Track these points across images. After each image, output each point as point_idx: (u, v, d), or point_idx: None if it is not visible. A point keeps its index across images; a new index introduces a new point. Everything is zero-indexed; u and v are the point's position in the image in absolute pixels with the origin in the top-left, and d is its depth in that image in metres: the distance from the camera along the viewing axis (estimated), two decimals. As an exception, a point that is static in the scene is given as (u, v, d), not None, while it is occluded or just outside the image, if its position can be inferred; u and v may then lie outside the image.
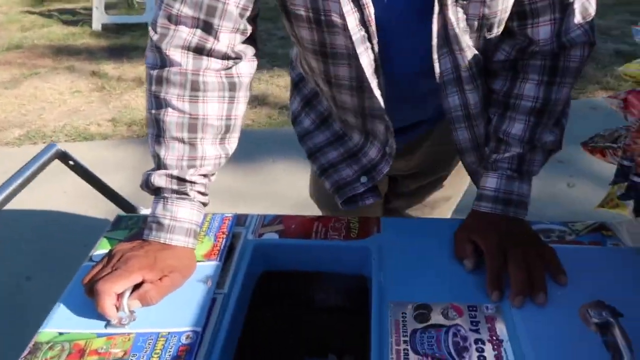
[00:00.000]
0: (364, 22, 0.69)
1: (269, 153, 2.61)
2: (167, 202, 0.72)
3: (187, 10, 0.69)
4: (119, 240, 0.79)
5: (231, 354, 0.68)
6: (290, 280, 0.83)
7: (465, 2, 0.67)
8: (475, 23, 0.70)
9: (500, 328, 0.64)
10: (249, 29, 0.74)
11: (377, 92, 0.76)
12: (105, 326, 0.64)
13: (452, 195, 1.08)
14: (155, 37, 0.71)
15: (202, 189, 0.74)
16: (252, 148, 2.63)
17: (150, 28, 0.72)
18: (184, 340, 0.62)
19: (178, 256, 0.70)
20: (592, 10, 0.71)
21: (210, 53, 0.72)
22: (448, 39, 0.70)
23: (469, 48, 0.71)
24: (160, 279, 0.67)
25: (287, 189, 2.34)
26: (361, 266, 0.79)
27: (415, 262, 0.75)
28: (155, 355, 0.60)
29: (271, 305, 0.82)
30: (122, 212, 0.93)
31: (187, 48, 0.71)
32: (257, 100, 3.26)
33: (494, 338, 0.63)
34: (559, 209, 1.76)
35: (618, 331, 0.61)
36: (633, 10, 4.55)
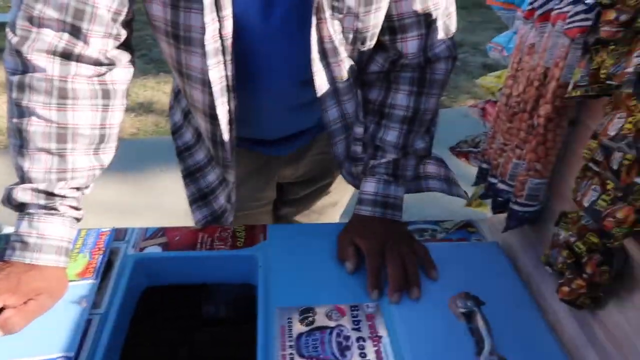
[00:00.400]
0: (220, 35, 0.68)
1: (156, 163, 2.50)
2: (33, 218, 0.66)
3: (51, 13, 0.64)
4: (-24, 264, 0.71)
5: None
6: (176, 294, 0.80)
7: (340, 16, 0.70)
8: (350, 36, 0.74)
9: (380, 325, 0.68)
10: (123, 33, 0.71)
11: (224, 119, 0.75)
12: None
13: (338, 201, 1.12)
14: (14, 40, 0.65)
15: (75, 203, 0.70)
16: (139, 158, 2.50)
17: (7, 29, 0.66)
18: (54, 367, 0.57)
19: (46, 277, 0.64)
20: (453, 28, 0.80)
21: (79, 58, 0.67)
22: (325, 51, 0.73)
23: (345, 60, 0.75)
24: (25, 302, 0.61)
25: (177, 200, 2.26)
26: (249, 275, 0.79)
27: (302, 267, 0.77)
28: (20, 388, 0.55)
29: (155, 322, 0.79)
30: (-20, 233, 0.83)
31: (53, 53, 0.66)
32: (142, 108, 3.11)
33: (374, 335, 0.67)
34: (438, 210, 1.92)
35: (480, 318, 0.68)
36: (498, 27, 5.09)
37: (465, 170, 1.05)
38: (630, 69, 0.48)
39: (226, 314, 0.84)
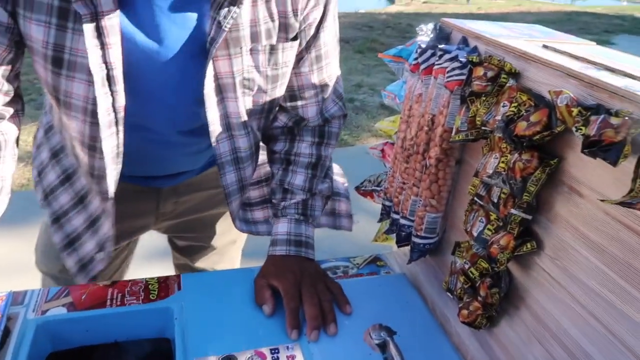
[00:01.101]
0: (106, 62, 0.65)
1: (52, 215, 2.33)
2: None
3: None
4: None
5: None
6: (84, 357, 0.76)
7: (252, 93, 0.76)
8: (259, 108, 0.80)
9: (300, 364, 0.70)
10: (12, 88, 0.69)
11: (110, 153, 0.72)
12: None
13: (236, 239, 1.12)
14: None
15: None
16: (31, 210, 2.32)
17: None
18: None
19: None
20: (341, 91, 0.91)
21: None
22: (220, 87, 0.74)
23: (242, 98, 0.76)
24: None
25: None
26: (164, 328, 0.77)
27: (219, 315, 0.77)
28: None
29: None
30: None
31: None
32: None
33: (295, 376, 0.68)
34: (349, 245, 1.99)
35: (393, 347, 0.72)
36: (391, 70, 5.46)
37: (373, 208, 1.12)
38: (498, 117, 0.56)
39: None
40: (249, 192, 0.94)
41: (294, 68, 0.80)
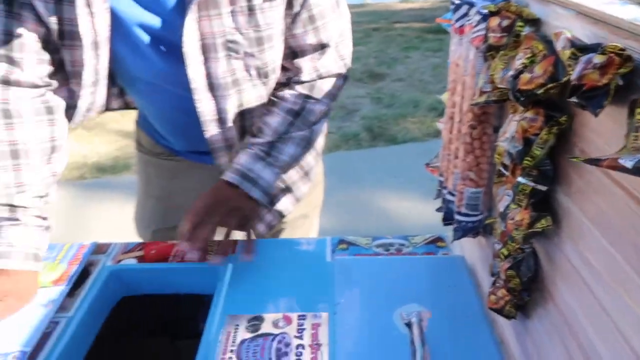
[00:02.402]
0: (94, 29, 0.73)
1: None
2: (1, 230, 0.74)
3: None
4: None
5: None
6: (148, 305, 0.86)
7: (238, 56, 0.78)
8: (253, 72, 0.81)
9: (322, 333, 0.70)
10: (56, 58, 0.79)
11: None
12: None
13: (308, 213, 1.11)
14: None
15: (37, 213, 0.78)
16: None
17: None
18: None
19: (15, 281, 0.72)
20: (345, 51, 0.87)
21: (18, 83, 0.76)
22: (205, 47, 0.76)
23: (223, 59, 0.78)
24: None
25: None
26: (214, 286, 0.83)
27: (260, 278, 0.81)
28: (-23, 377, 0.62)
29: (127, 332, 0.85)
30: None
31: None
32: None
33: (314, 343, 0.68)
34: (419, 228, 1.87)
35: (416, 329, 0.67)
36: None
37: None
38: (511, 72, 0.49)
39: (190, 324, 0.88)
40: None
41: (288, 30, 0.78)
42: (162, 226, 1.05)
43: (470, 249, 0.81)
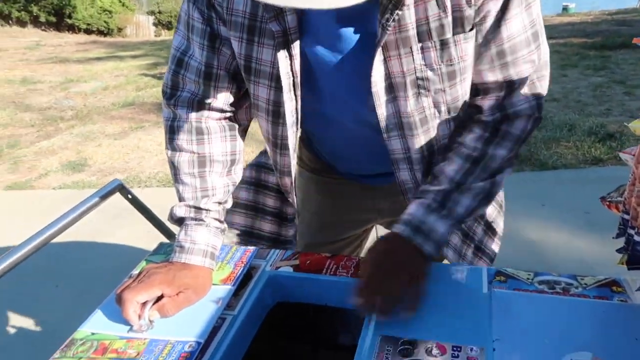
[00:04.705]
0: (292, 71, 0.76)
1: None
2: (187, 229, 0.84)
3: (190, 75, 0.84)
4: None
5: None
6: (300, 313, 0.90)
7: (428, 93, 0.76)
8: (443, 108, 0.78)
9: (480, 369, 0.66)
10: (242, 87, 0.87)
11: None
12: (128, 331, 0.75)
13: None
14: (166, 97, 0.88)
15: (217, 216, 0.87)
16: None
17: (162, 88, 0.89)
18: (186, 348, 0.71)
19: (194, 275, 0.81)
20: (541, 90, 0.79)
21: (210, 107, 0.87)
22: (392, 86, 0.76)
23: (412, 97, 0.76)
24: (177, 294, 0.77)
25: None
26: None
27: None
28: (161, 358, 0.70)
29: (280, 336, 0.89)
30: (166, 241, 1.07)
31: (192, 104, 0.86)
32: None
33: (471, 377, 0.65)
34: (578, 263, 1.67)
35: (592, 380, 0.61)
36: None
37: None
38: None
39: (343, 341, 0.89)
40: None
41: (474, 66, 0.75)
42: (312, 241, 1.10)
43: (657, 299, 0.71)
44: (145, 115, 4.78)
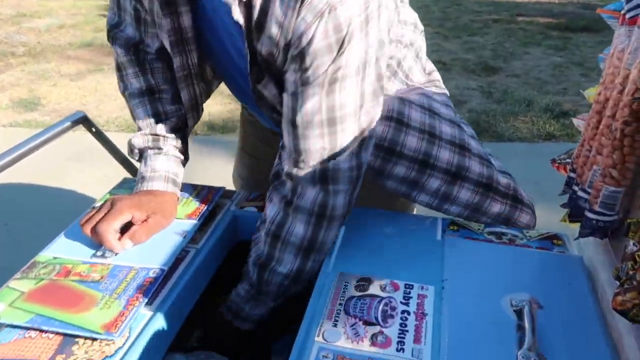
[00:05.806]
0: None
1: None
2: (147, 160, 0.86)
3: (126, 17, 0.85)
4: (120, 196, 0.92)
5: (195, 298, 0.78)
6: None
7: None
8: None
9: (428, 304, 0.71)
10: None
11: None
12: (91, 257, 0.76)
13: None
14: (110, 35, 0.89)
15: (175, 143, 0.88)
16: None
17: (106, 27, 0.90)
18: (150, 274, 0.73)
19: (160, 201, 0.82)
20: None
21: (146, 50, 0.88)
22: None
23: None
24: (146, 219, 0.79)
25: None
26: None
27: (372, 245, 0.84)
28: (125, 282, 0.71)
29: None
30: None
31: (128, 43, 0.87)
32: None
33: (420, 311, 0.70)
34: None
35: (526, 316, 0.67)
36: None
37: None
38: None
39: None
40: None
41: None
42: (249, 177, 1.16)
43: (592, 250, 0.78)
44: (104, 58, 4.57)
